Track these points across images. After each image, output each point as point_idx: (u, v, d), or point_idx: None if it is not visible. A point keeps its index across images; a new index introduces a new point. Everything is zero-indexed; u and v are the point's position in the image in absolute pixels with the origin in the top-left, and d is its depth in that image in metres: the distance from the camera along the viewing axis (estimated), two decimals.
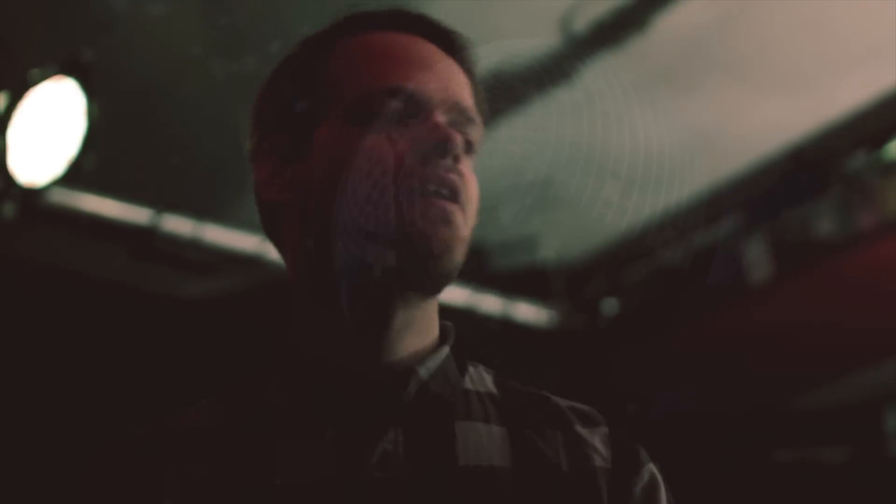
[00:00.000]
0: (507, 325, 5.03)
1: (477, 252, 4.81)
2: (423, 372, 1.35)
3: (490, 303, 4.96)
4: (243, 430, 1.34)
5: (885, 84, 4.16)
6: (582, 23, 3.79)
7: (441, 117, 1.36)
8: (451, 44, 1.45)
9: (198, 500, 1.29)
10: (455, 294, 4.76)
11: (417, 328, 1.37)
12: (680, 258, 5.42)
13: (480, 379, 1.43)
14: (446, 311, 1.42)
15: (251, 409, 1.37)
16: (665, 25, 3.76)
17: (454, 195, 1.34)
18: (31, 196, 3.61)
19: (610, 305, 5.18)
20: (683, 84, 4.12)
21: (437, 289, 1.36)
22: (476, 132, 1.42)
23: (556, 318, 5.18)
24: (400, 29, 1.43)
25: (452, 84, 1.40)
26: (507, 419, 1.38)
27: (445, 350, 1.39)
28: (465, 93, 1.42)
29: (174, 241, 4.24)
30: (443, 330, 1.43)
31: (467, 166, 1.39)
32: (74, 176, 3.58)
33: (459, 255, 1.34)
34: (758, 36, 3.93)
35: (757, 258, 4.77)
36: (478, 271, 4.85)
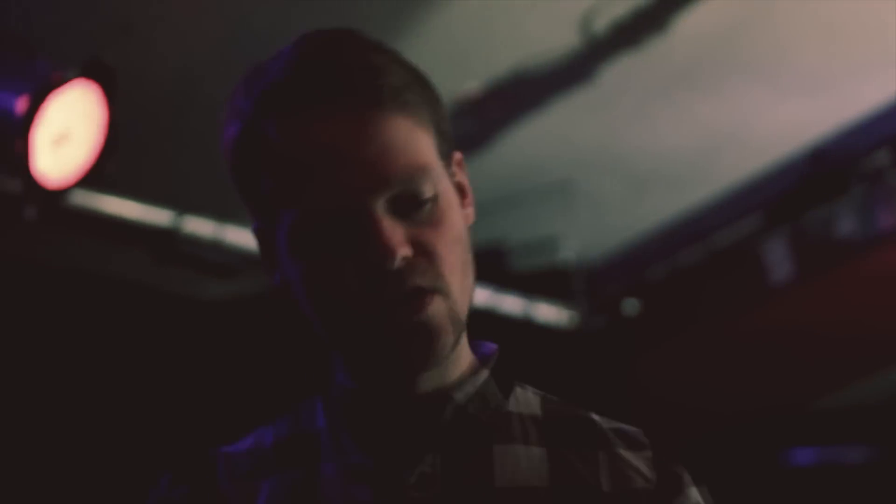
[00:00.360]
0: (527, 326, 5.03)
1: (497, 252, 4.81)
2: (460, 397, 1.36)
3: (511, 303, 4.96)
4: (292, 453, 1.38)
5: None
6: (602, 23, 3.79)
7: (375, 212, 1.27)
8: (350, 88, 1.29)
9: None
10: (476, 294, 4.75)
11: (446, 365, 1.37)
12: (701, 258, 5.42)
13: (526, 401, 1.43)
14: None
15: (301, 433, 1.40)
16: (685, 26, 3.76)
17: (419, 294, 1.29)
18: (53, 198, 3.62)
19: (631, 306, 5.18)
20: (704, 84, 4.12)
21: (445, 360, 1.35)
22: (428, 178, 1.30)
23: (577, 318, 5.18)
24: (295, 106, 1.29)
25: (374, 152, 1.27)
26: (549, 440, 1.39)
27: (484, 374, 1.40)
28: (391, 149, 1.28)
29: (196, 243, 4.25)
30: (486, 352, 1.44)
31: (431, 223, 1.31)
32: (96, 178, 3.59)
33: (451, 331, 1.32)
34: (778, 36, 3.92)
35: (778, 258, 4.76)
36: (498, 272, 4.85)
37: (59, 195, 3.62)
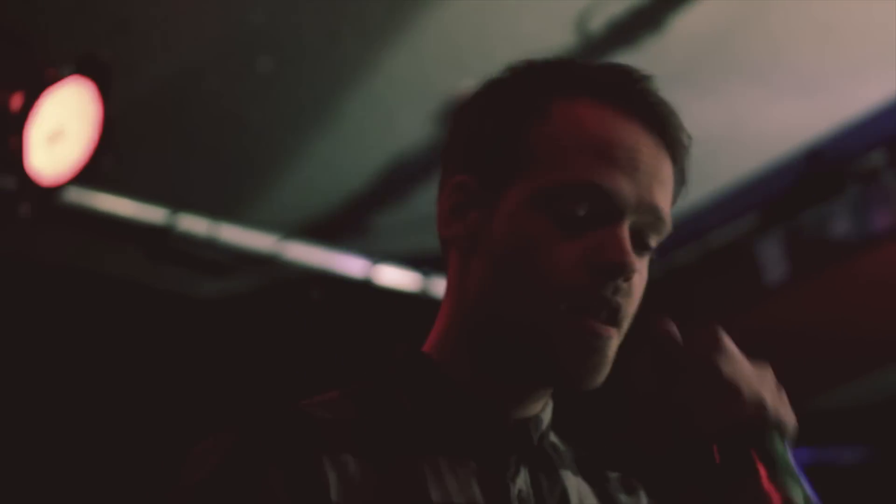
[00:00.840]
0: None
1: None
2: (545, 420, 1.42)
3: None
4: (382, 434, 1.35)
5: None
6: (597, 23, 3.79)
7: (626, 225, 1.34)
8: (665, 127, 1.42)
9: (354, 493, 1.28)
10: None
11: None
12: (696, 258, 5.40)
13: (552, 433, 1.50)
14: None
15: (386, 413, 1.37)
16: (681, 26, 3.76)
17: (613, 318, 1.35)
18: (48, 195, 3.62)
19: None
20: (699, 84, 4.12)
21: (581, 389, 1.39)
22: (662, 235, 1.41)
23: None
24: (616, 103, 1.41)
25: (654, 184, 1.38)
26: (583, 473, 1.48)
27: (551, 404, 1.45)
28: (664, 193, 1.40)
29: (190, 241, 4.25)
30: None
31: (639, 270, 1.38)
32: (90, 175, 3.59)
33: (605, 371, 1.37)
34: (774, 36, 3.92)
35: (773, 258, 4.76)
36: None
37: (53, 192, 3.62)
